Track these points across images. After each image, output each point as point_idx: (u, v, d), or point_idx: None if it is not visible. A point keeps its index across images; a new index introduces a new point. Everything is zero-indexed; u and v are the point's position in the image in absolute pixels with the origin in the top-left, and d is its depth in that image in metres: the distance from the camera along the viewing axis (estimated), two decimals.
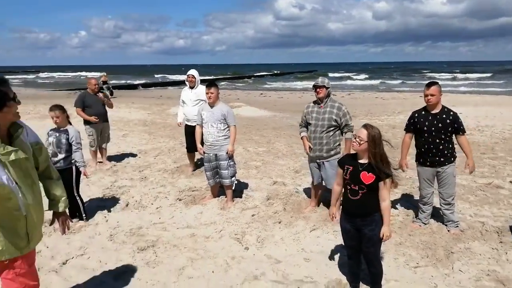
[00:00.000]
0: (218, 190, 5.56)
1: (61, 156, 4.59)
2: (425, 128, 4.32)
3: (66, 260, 3.81)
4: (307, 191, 5.84)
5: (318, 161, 4.83)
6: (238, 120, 14.21)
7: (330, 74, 61.26)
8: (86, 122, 7.14)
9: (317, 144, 4.76)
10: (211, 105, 5.23)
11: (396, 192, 5.86)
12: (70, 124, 4.82)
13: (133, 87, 38.28)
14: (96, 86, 7.29)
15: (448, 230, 4.44)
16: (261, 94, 29.08)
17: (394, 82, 45.20)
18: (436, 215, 4.73)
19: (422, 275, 3.52)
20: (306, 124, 4.92)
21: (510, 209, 5.10)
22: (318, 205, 5.20)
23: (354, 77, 57.73)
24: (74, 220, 4.75)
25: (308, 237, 4.34)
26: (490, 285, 3.37)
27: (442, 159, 4.33)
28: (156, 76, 68.71)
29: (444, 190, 4.42)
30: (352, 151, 3.22)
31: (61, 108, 4.65)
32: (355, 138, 3.02)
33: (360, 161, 3.04)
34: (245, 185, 6.13)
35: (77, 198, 4.70)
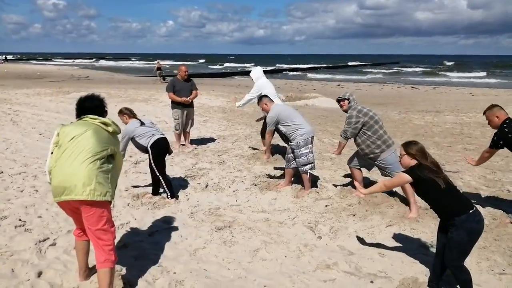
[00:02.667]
0: (292, 178, 5.62)
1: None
2: None
3: (152, 232, 4.15)
4: None
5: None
6: (312, 111, 14.14)
7: (414, 68, 58.10)
8: (174, 106, 7.61)
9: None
10: None
11: (483, 195, 5.50)
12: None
13: (213, 75, 39.80)
14: (186, 73, 7.72)
15: None
16: (338, 85, 28.51)
17: (485, 77, 41.53)
18: None
19: (508, 284, 3.30)
20: None
21: None
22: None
23: (439, 71, 54.07)
24: (158, 196, 5.15)
25: (383, 232, 4.26)
26: None
27: None
28: (234, 65, 70.32)
29: None
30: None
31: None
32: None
33: None
34: (319, 176, 6.13)
35: (160, 177, 5.05)
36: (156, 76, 28.97)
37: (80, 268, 3.20)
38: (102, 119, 3.08)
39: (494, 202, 5.18)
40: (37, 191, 5.25)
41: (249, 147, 8.11)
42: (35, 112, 12.26)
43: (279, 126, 5.44)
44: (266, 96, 5.84)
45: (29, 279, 3.16)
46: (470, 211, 2.90)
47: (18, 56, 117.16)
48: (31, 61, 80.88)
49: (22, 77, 31.69)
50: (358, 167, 5.25)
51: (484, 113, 4.55)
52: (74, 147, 2.83)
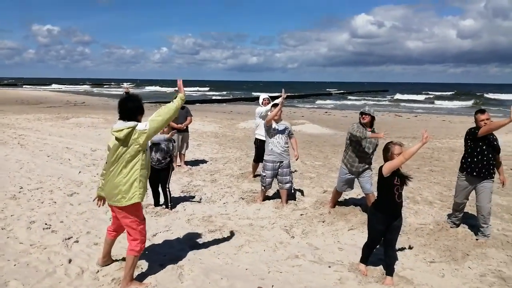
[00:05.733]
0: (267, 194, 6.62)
1: (168, 159, 5.96)
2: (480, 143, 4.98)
3: (156, 233, 5.06)
4: (352, 200, 6.67)
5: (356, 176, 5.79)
6: (298, 136, 15.16)
7: (400, 96, 60.03)
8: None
9: (365, 159, 5.68)
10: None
11: (435, 207, 6.48)
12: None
13: (206, 101, 41.08)
14: None
15: (477, 239, 5.05)
16: (326, 112, 29.79)
17: (467, 104, 43.42)
18: (467, 223, 5.49)
19: (434, 268, 4.25)
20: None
21: None
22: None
23: (424, 98, 56.12)
24: (159, 207, 6.06)
25: (345, 234, 5.21)
26: (493, 281, 4.01)
27: (486, 173, 4.98)
28: (225, 92, 71.99)
29: (482, 204, 5.03)
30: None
31: None
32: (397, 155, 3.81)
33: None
34: (299, 192, 7.09)
35: (168, 189, 6.00)
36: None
37: (103, 256, 4.09)
38: (114, 133, 3.50)
39: (442, 212, 6.16)
40: (55, 202, 6.13)
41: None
42: (39, 136, 13.14)
43: (289, 136, 6.33)
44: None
45: (62, 264, 4.05)
46: None
47: (11, 81, 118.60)
48: (17, 86, 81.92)
49: (19, 103, 32.60)
50: (342, 191, 6.11)
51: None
52: (109, 158, 3.59)
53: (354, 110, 33.22)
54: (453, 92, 71.56)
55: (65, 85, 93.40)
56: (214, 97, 52.76)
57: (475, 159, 5.01)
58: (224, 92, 70.62)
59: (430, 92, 72.03)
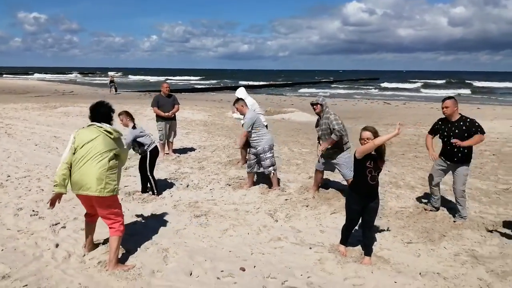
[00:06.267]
0: (254, 179, 6.73)
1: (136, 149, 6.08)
2: (445, 133, 5.20)
3: (142, 219, 5.16)
4: (336, 185, 6.81)
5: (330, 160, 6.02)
6: (288, 124, 15.20)
7: (389, 84, 60.23)
8: (158, 119, 8.64)
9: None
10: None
11: (417, 191, 6.66)
12: (133, 123, 6.05)
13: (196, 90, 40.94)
14: (168, 89, 8.77)
15: (455, 221, 5.24)
16: None
17: (457, 92, 43.79)
18: (446, 207, 5.68)
19: (411, 248, 4.43)
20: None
21: None
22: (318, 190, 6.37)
23: (414, 86, 56.47)
24: (146, 194, 6.15)
25: (328, 217, 5.36)
26: (466, 259, 4.19)
27: (456, 159, 5.15)
28: (217, 81, 71.74)
29: (455, 186, 5.23)
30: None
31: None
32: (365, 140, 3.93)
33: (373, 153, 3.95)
34: (285, 178, 7.22)
35: (151, 176, 6.08)
36: (110, 88, 30.44)
37: (88, 243, 4.17)
38: (107, 128, 3.82)
39: (423, 197, 6.34)
40: (43, 190, 6.19)
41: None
42: (27, 126, 13.07)
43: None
44: (242, 99, 6.82)
45: (49, 248, 4.14)
46: None
47: None
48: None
49: (6, 92, 32.18)
50: (322, 169, 6.27)
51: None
52: (88, 150, 3.69)
53: (344, 98, 33.42)
54: (443, 81, 71.88)
55: (49, 74, 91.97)
56: (198, 86, 52.62)
57: (445, 147, 5.29)
58: (214, 81, 70.28)
59: (420, 80, 72.32)
